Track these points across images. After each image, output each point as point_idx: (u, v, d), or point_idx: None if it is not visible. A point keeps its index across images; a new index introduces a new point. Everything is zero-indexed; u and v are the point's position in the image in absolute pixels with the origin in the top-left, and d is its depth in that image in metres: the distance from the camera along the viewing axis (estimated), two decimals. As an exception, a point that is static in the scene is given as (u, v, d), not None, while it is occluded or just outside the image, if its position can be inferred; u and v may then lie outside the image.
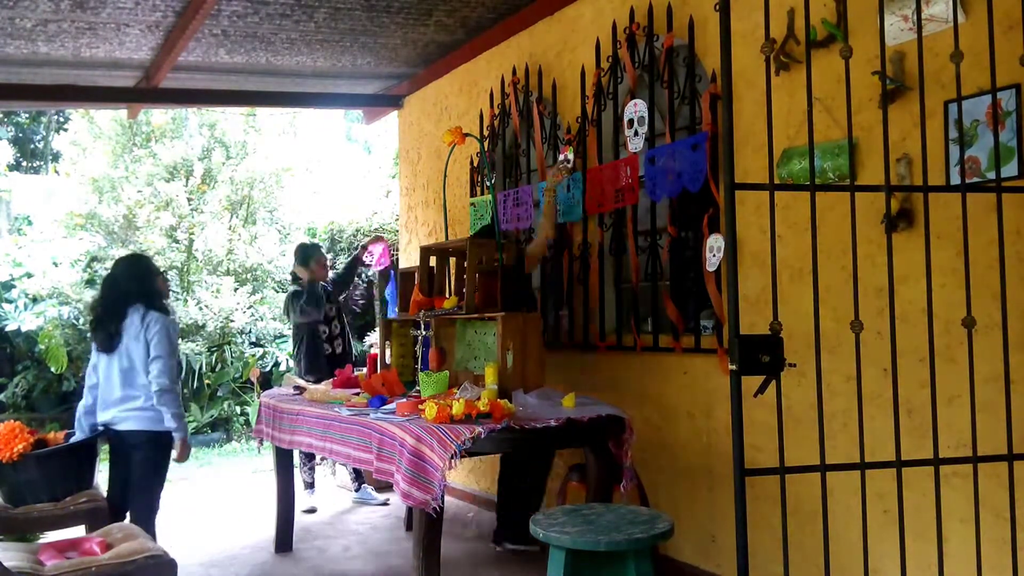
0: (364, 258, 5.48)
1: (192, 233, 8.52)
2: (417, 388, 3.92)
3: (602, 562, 2.35)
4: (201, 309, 8.24)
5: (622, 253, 4.09)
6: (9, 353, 8.61)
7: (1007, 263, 2.24)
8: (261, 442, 4.42)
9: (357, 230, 9.65)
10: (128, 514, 3.47)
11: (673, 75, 3.73)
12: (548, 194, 4.17)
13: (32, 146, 13.19)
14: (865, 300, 2.52)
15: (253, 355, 8.49)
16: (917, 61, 2.21)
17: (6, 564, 2.59)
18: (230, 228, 8.78)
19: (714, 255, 3.44)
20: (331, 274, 5.57)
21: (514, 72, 4.84)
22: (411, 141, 6.33)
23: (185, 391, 8.52)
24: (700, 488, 3.57)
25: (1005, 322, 2.20)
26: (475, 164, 5.26)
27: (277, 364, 8.52)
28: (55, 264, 8.45)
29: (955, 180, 2.50)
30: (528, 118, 4.73)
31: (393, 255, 5.92)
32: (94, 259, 8.57)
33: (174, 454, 3.54)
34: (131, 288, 3.56)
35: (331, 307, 5.27)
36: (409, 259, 6.00)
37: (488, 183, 4.94)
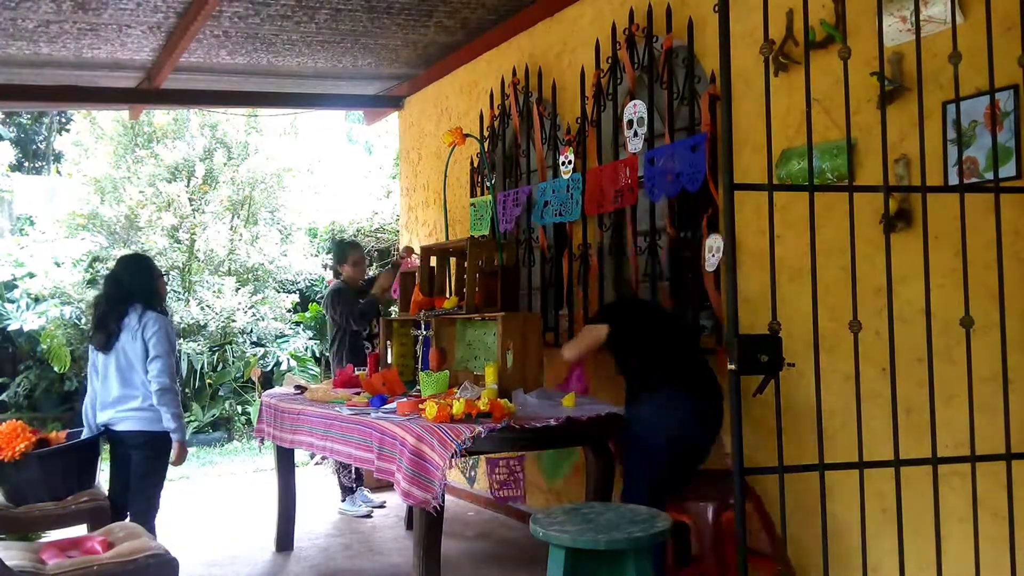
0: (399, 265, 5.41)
1: (194, 233, 8.53)
2: (417, 388, 3.93)
3: (602, 561, 2.35)
4: (203, 309, 8.26)
5: (622, 253, 4.10)
6: (11, 353, 8.62)
7: (1005, 263, 2.24)
8: (262, 441, 4.43)
9: (358, 230, 9.66)
10: (128, 514, 3.47)
11: (672, 76, 3.74)
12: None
13: (34, 147, 13.21)
14: (864, 300, 2.53)
15: (254, 355, 8.51)
16: (915, 62, 2.22)
17: (8, 563, 2.60)
18: (232, 228, 8.79)
19: (713, 255, 3.44)
20: (368, 276, 5.47)
21: (514, 73, 4.85)
22: (411, 142, 6.34)
23: (186, 391, 8.53)
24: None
25: (1003, 322, 2.21)
26: (475, 164, 5.27)
27: (278, 364, 8.53)
28: (57, 264, 8.46)
29: (953, 180, 2.51)
30: (528, 119, 4.74)
31: None
32: (96, 259, 8.58)
33: (172, 456, 3.53)
34: (133, 287, 3.56)
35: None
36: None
37: (488, 183, 4.94)
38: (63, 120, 11.75)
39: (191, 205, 8.50)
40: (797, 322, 2.86)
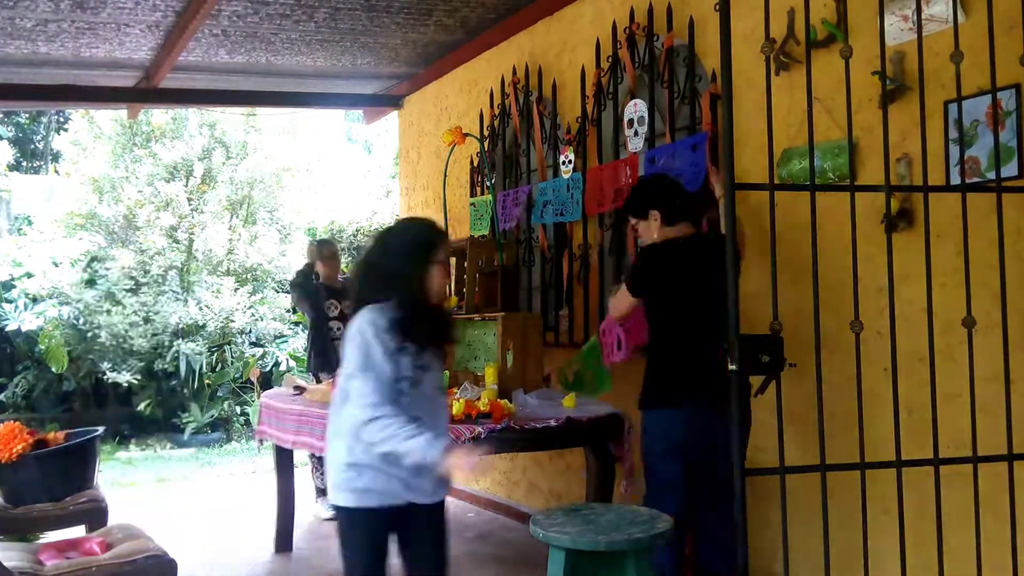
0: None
1: (192, 233, 8.52)
2: (417, 388, 3.91)
3: (602, 562, 2.34)
4: (201, 309, 8.24)
5: (622, 253, 4.09)
6: (9, 353, 8.61)
7: (1007, 263, 2.23)
8: (261, 442, 4.42)
9: (357, 230, 9.64)
10: None
11: (673, 75, 3.73)
12: None
13: (32, 146, 13.19)
14: (865, 300, 2.52)
15: (253, 355, 8.50)
16: (917, 61, 2.21)
17: (6, 564, 2.59)
18: (230, 228, 8.78)
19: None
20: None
21: (514, 72, 4.84)
22: (411, 141, 6.33)
23: (185, 391, 8.53)
24: (700, 488, 3.56)
25: (1005, 322, 2.20)
26: (475, 164, 5.26)
27: (277, 364, 8.52)
28: (55, 264, 8.45)
29: (955, 180, 2.50)
30: (528, 118, 4.73)
31: None
32: (94, 259, 8.57)
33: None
34: None
35: (342, 305, 5.15)
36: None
37: (488, 183, 4.94)
38: (61, 119, 11.74)
39: (190, 205, 8.49)
40: (798, 322, 2.85)
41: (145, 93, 5.81)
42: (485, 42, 5.09)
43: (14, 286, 8.43)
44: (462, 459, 2.15)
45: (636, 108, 3.88)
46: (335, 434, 2.33)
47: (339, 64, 5.59)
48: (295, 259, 8.99)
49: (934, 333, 2.20)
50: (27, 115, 12.71)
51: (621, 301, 3.12)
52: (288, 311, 8.86)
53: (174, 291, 8.35)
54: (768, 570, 3.24)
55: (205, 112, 8.52)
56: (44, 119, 12.78)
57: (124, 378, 8.08)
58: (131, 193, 8.30)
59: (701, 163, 3.46)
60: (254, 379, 7.44)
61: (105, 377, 8.20)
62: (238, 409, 8.47)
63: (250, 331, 8.54)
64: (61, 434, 3.79)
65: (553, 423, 3.07)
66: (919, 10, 2.21)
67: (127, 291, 8.26)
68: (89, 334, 8.14)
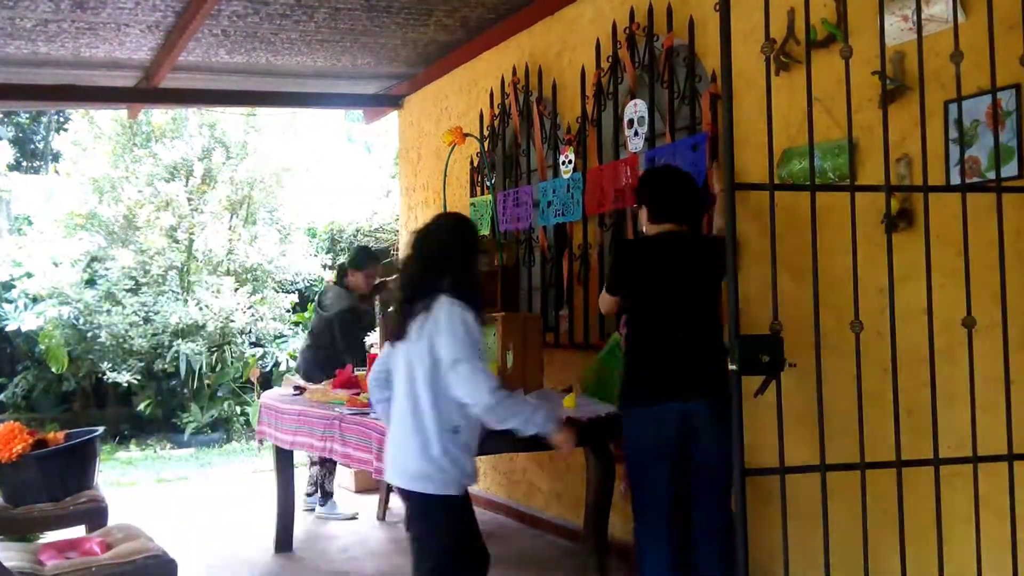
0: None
1: (192, 233, 8.51)
2: (417, 388, 3.91)
3: None
4: (201, 309, 8.24)
5: (622, 253, 4.08)
6: (9, 353, 8.61)
7: (1007, 263, 2.23)
8: (261, 442, 4.42)
9: (357, 230, 9.64)
10: None
11: (673, 75, 3.73)
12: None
13: (32, 146, 13.19)
14: (865, 300, 2.52)
15: (253, 355, 8.49)
16: (917, 61, 2.21)
17: (6, 564, 2.59)
18: (230, 228, 8.78)
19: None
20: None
21: (514, 72, 4.84)
22: (411, 141, 6.33)
23: (185, 391, 8.53)
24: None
25: (1005, 322, 2.20)
26: (475, 164, 5.26)
27: (277, 364, 8.52)
28: (55, 264, 8.44)
29: (955, 180, 2.50)
30: (528, 118, 4.73)
31: None
32: (94, 259, 8.57)
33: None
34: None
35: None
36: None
37: (488, 183, 4.94)
38: (61, 119, 11.73)
39: (189, 205, 8.49)
40: (798, 322, 2.85)
41: (145, 93, 5.81)
42: (485, 42, 5.09)
43: (14, 286, 8.43)
44: (568, 433, 2.60)
45: (636, 108, 3.88)
46: (427, 425, 2.38)
47: (339, 64, 5.59)
48: (295, 259, 9.00)
49: (934, 333, 2.19)
50: (27, 115, 12.71)
51: (603, 299, 3.20)
52: (288, 311, 8.86)
53: (174, 291, 8.35)
54: (768, 570, 3.23)
55: (205, 112, 8.52)
56: (44, 119, 12.77)
57: (124, 378, 8.08)
58: (131, 193, 8.30)
59: (701, 163, 3.46)
60: (254, 379, 7.44)
61: (105, 377, 8.20)
62: (238, 409, 8.47)
63: (250, 331, 8.54)
64: (61, 434, 3.79)
65: (553, 423, 3.06)
66: (919, 10, 2.21)
67: (127, 291, 8.26)
68: (89, 334, 8.14)
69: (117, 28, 4.61)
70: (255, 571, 4.06)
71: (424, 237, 2.57)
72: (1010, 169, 2.43)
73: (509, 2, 4.58)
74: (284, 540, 4.35)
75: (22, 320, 8.14)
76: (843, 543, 2.45)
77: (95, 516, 3.52)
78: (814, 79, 2.22)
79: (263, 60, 5.38)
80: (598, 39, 4.15)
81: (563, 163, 4.35)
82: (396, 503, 5.05)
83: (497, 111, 5.05)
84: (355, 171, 10.27)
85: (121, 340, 8.06)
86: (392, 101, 6.45)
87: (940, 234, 2.54)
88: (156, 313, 8.18)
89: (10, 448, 3.40)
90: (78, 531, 3.44)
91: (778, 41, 3.09)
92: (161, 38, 4.79)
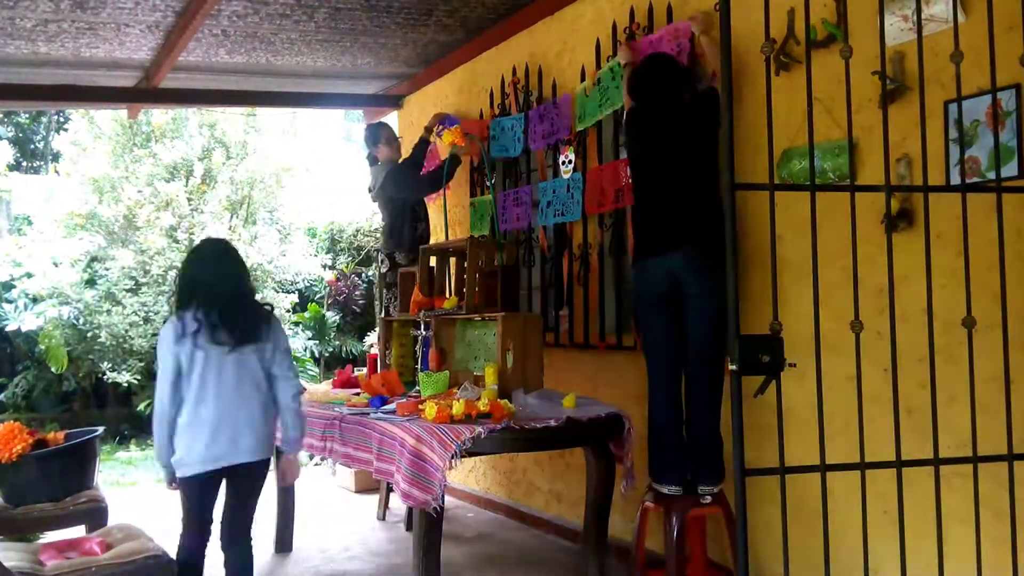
0: (430, 138, 5.09)
1: (192, 233, 8.50)
2: (417, 388, 3.92)
3: None
4: (201, 309, 8.23)
5: (622, 253, 4.09)
6: (9, 353, 8.60)
7: (1007, 263, 2.23)
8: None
9: (357, 230, 9.64)
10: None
11: (673, 75, 3.72)
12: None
13: (32, 146, 13.19)
14: (865, 300, 2.52)
15: (253, 355, 8.48)
16: (917, 61, 2.21)
17: (6, 564, 2.59)
18: (230, 228, 8.77)
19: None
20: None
21: (514, 72, 4.84)
22: (411, 141, 6.31)
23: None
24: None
25: (1005, 322, 2.20)
26: (475, 164, 5.26)
27: (277, 364, 8.50)
28: (55, 264, 8.44)
29: (955, 180, 2.50)
30: (528, 118, 4.73)
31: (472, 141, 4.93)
32: (94, 259, 8.57)
33: None
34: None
35: None
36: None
37: (488, 183, 4.94)
38: (61, 119, 11.74)
39: (189, 205, 8.48)
40: (798, 322, 2.85)
41: (145, 93, 5.81)
42: (485, 42, 5.09)
43: (14, 286, 8.43)
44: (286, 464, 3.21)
45: (636, 108, 3.87)
46: (271, 403, 2.96)
47: (339, 64, 5.59)
48: (295, 259, 8.99)
49: (934, 333, 2.19)
50: (27, 115, 12.71)
51: None
52: (288, 311, 8.86)
53: (173, 291, 8.35)
54: (768, 570, 3.24)
55: (205, 112, 8.51)
56: (44, 119, 12.78)
57: (124, 378, 8.08)
58: (131, 193, 8.29)
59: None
60: (254, 379, 7.42)
61: (105, 377, 8.19)
62: (238, 409, 8.46)
63: (250, 331, 8.52)
64: (61, 434, 3.79)
65: (553, 423, 3.07)
66: (919, 10, 2.21)
67: (127, 291, 8.25)
68: (89, 334, 8.13)
69: (117, 28, 4.61)
70: (255, 571, 4.05)
71: (226, 255, 2.97)
72: (1010, 169, 2.43)
73: (509, 2, 4.58)
74: (284, 540, 4.35)
75: (22, 320, 8.14)
76: (843, 542, 2.45)
77: (95, 516, 3.52)
78: (814, 79, 2.22)
79: (263, 60, 5.38)
80: (598, 39, 4.15)
81: (563, 163, 4.35)
82: (396, 503, 5.05)
83: (497, 111, 5.05)
84: (356, 171, 10.27)
85: (121, 340, 8.06)
86: (392, 101, 6.45)
87: (940, 234, 2.54)
88: (156, 313, 8.17)
89: (10, 448, 3.40)
90: (78, 531, 3.43)
91: (778, 41, 3.09)
92: (161, 38, 4.79)
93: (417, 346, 4.35)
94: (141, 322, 8.11)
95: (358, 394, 3.89)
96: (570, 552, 4.18)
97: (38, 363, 8.37)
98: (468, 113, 5.38)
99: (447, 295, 4.33)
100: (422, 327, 4.22)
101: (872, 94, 2.77)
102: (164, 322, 3.21)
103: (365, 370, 4.66)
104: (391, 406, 3.46)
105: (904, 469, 2.16)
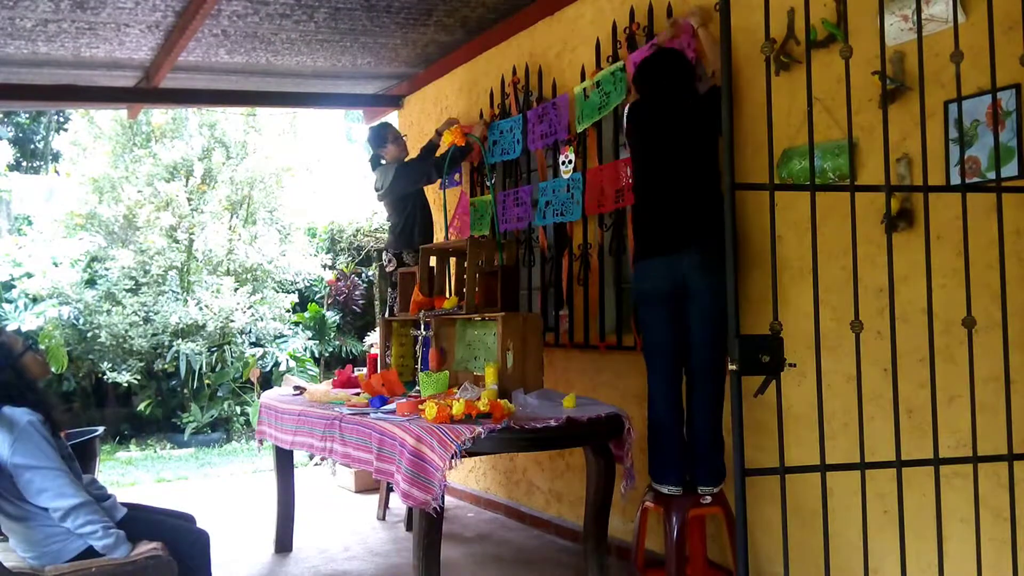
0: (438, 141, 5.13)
1: (192, 233, 8.51)
2: (417, 388, 3.92)
3: None
4: (201, 309, 8.25)
5: (622, 253, 4.09)
6: (9, 353, 8.59)
7: (1007, 263, 2.24)
8: (261, 442, 4.42)
9: (357, 230, 9.64)
10: None
11: (673, 75, 3.72)
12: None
13: (32, 146, 13.19)
14: (865, 300, 2.52)
15: (253, 355, 8.49)
16: (917, 61, 2.21)
17: (6, 564, 2.59)
18: (230, 228, 8.78)
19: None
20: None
21: (514, 72, 4.84)
22: (411, 141, 6.31)
23: (185, 391, 8.53)
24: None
25: (1005, 322, 2.20)
26: (475, 164, 5.26)
27: (277, 364, 8.52)
28: (55, 264, 8.44)
29: (955, 180, 2.50)
30: (528, 118, 4.73)
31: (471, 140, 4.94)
32: (94, 259, 8.57)
33: None
34: None
35: None
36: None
37: (488, 183, 4.93)
38: (61, 119, 11.74)
39: (189, 205, 8.49)
40: (798, 322, 2.85)
41: (145, 93, 5.80)
42: (485, 42, 5.09)
43: (14, 286, 8.43)
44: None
45: (636, 108, 3.87)
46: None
47: (339, 64, 5.59)
48: (295, 259, 9.00)
49: (934, 333, 2.19)
50: (27, 115, 12.72)
51: None
52: (288, 311, 8.87)
53: (174, 291, 8.35)
54: (768, 570, 3.24)
55: (205, 112, 8.52)
56: (44, 119, 12.79)
57: (124, 378, 8.09)
58: (131, 193, 8.30)
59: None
60: (254, 379, 7.44)
61: (105, 377, 8.20)
62: (238, 409, 8.47)
63: (250, 331, 8.54)
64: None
65: (553, 423, 3.06)
66: (919, 10, 2.21)
67: (127, 291, 8.26)
68: (89, 334, 8.14)
69: (117, 28, 4.61)
70: (255, 571, 4.06)
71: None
72: (1010, 169, 2.43)
73: (509, 2, 4.58)
74: (284, 540, 4.35)
75: (22, 320, 8.14)
76: (843, 542, 2.45)
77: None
78: (814, 79, 2.22)
79: (263, 60, 5.38)
80: (598, 39, 4.15)
81: (563, 163, 4.35)
82: (396, 503, 5.05)
83: (497, 111, 5.05)
84: (355, 171, 10.28)
85: (121, 340, 8.06)
86: (392, 101, 6.45)
87: (940, 234, 2.54)
88: (156, 313, 8.18)
89: (10, 448, 3.39)
90: (78, 531, 3.42)
91: (778, 41, 3.09)
92: (161, 38, 4.79)
93: (417, 346, 4.35)
94: (141, 322, 8.12)
95: (358, 394, 3.88)
96: (570, 552, 4.18)
97: (38, 363, 8.37)
98: (468, 111, 5.38)
99: (447, 295, 4.33)
100: (422, 327, 4.22)
101: (872, 94, 2.77)
102: None
103: (365, 370, 4.66)
104: (391, 406, 3.46)
105: (904, 469, 2.16)
